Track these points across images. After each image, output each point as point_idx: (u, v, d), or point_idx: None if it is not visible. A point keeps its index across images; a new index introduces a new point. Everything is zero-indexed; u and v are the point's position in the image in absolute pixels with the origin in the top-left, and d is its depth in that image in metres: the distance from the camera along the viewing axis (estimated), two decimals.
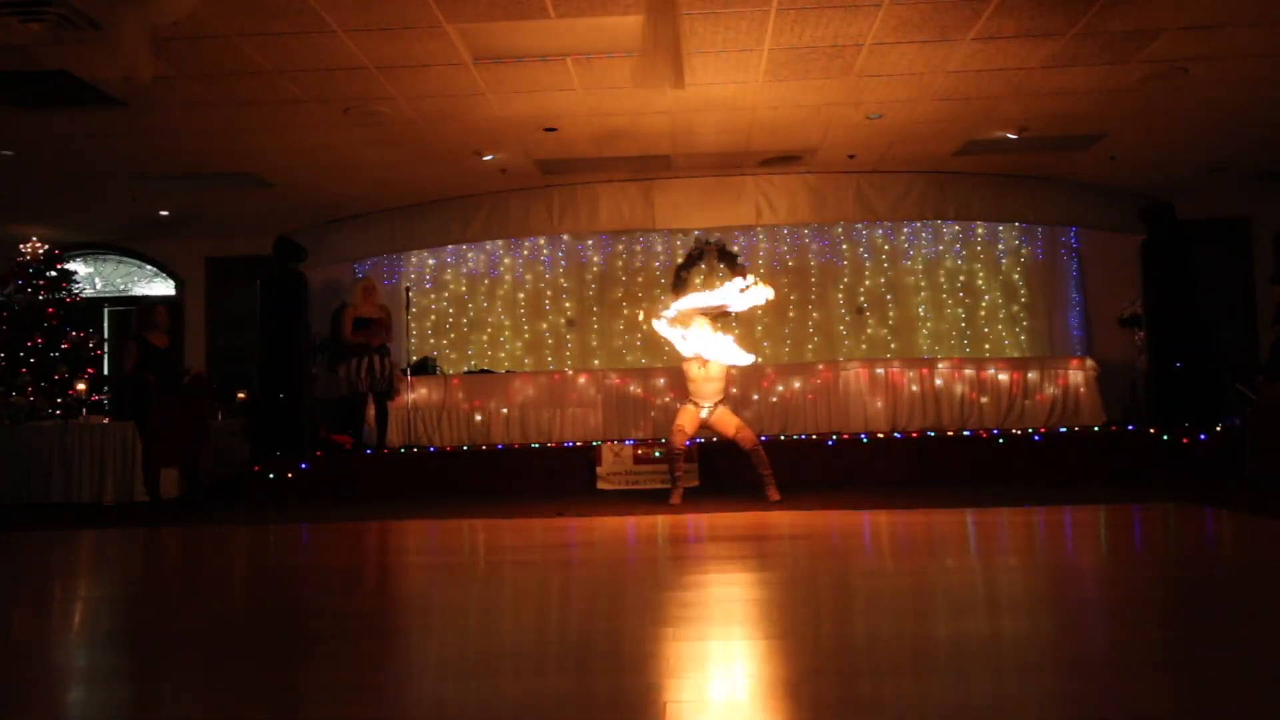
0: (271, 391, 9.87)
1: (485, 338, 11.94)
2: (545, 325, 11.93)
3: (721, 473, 8.73)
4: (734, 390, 10.30)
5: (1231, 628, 3.30)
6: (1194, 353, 9.48)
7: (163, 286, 12.23)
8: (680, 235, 11.69)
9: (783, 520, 6.57)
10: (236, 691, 2.88)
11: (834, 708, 2.56)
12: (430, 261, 11.97)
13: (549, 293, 11.95)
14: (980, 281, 11.74)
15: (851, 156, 9.37)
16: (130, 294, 12.15)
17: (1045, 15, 6.13)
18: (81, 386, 10.20)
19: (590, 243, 11.86)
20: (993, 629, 3.50)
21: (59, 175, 9.06)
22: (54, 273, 10.72)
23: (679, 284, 11.67)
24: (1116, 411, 10.39)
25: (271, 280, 10.13)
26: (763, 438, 9.77)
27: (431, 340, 11.92)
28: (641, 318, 8.23)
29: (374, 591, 4.80)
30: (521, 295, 11.97)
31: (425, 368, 11.01)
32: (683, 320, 7.49)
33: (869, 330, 11.71)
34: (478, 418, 10.44)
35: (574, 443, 9.80)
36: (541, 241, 11.80)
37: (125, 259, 12.21)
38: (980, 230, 11.68)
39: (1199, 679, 2.73)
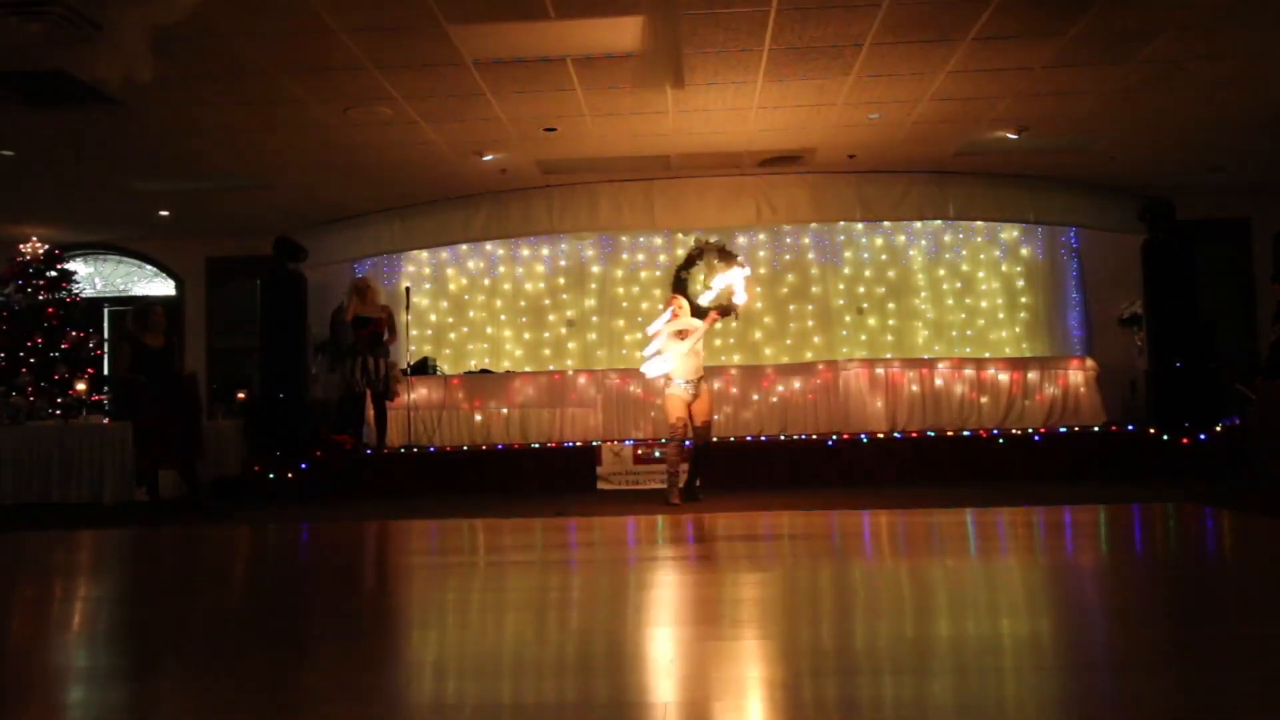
0: (271, 391, 9.86)
1: (485, 338, 11.93)
2: (545, 325, 11.92)
3: (719, 472, 8.71)
4: (734, 390, 10.34)
5: (1231, 628, 3.30)
6: (1194, 353, 9.48)
7: (163, 286, 12.22)
8: (680, 235, 11.68)
9: (783, 520, 6.57)
10: (236, 691, 2.88)
11: (834, 708, 2.56)
12: (430, 262, 11.95)
13: (549, 293, 11.93)
14: (980, 281, 11.73)
15: (851, 156, 9.37)
16: (130, 294, 12.14)
17: (1045, 15, 6.13)
18: (81, 386, 10.19)
19: (590, 243, 11.85)
20: (993, 629, 3.50)
21: (59, 175, 9.05)
22: (54, 273, 10.72)
23: (679, 284, 11.66)
24: (1116, 411, 10.38)
25: (271, 280, 10.12)
26: (763, 437, 9.80)
27: (431, 340, 11.90)
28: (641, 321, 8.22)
29: (373, 591, 4.80)
30: (521, 295, 11.96)
31: (425, 368, 11.01)
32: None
33: (869, 330, 11.70)
34: (478, 418, 10.44)
35: (574, 443, 9.79)
36: (541, 241, 11.79)
37: (125, 259, 12.21)
38: (980, 230, 11.67)
39: (1199, 679, 2.73)
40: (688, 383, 7.51)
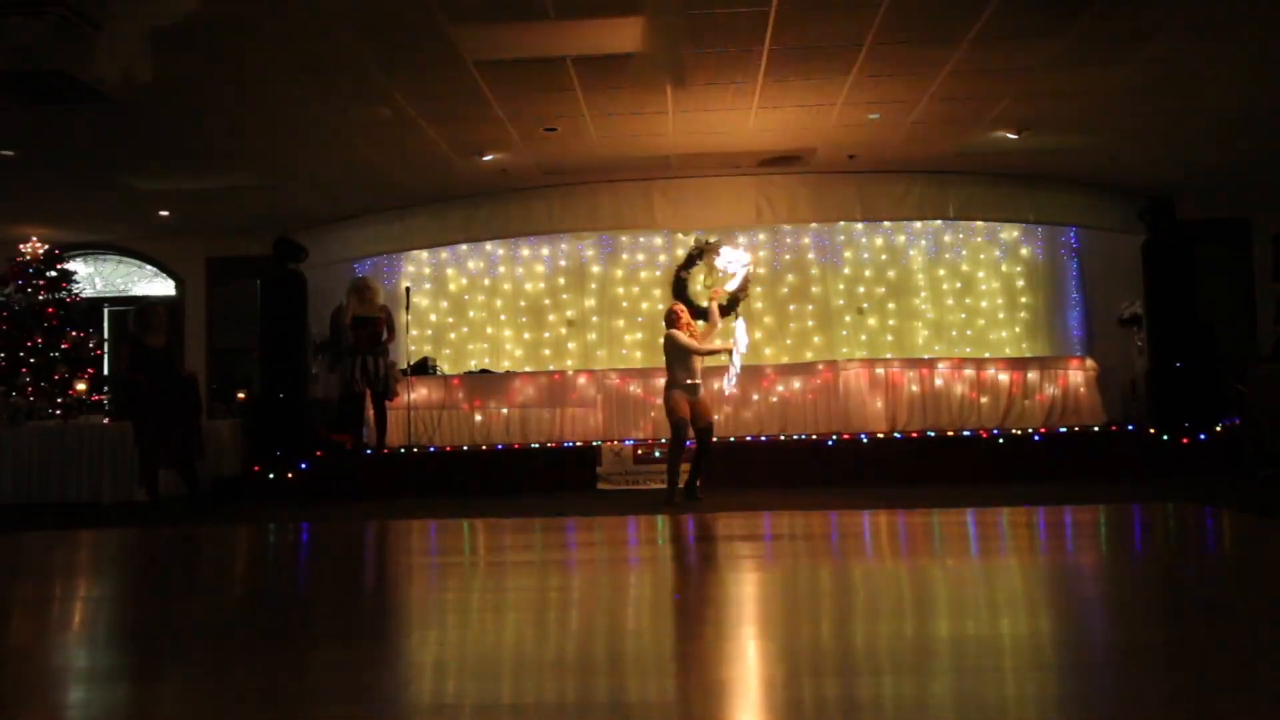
0: (271, 391, 9.86)
1: (485, 338, 11.92)
2: (545, 325, 11.92)
3: (719, 472, 8.70)
4: (735, 391, 10.32)
5: (1231, 628, 3.30)
6: (1194, 353, 9.48)
7: (163, 286, 12.22)
8: (680, 235, 11.67)
9: (783, 520, 6.57)
10: (236, 691, 2.88)
11: (834, 708, 2.56)
12: (430, 262, 11.95)
13: (549, 293, 11.92)
14: (980, 281, 11.73)
15: (851, 156, 9.37)
16: (130, 294, 12.14)
17: (1045, 15, 6.13)
18: (81, 386, 10.20)
19: (590, 242, 11.85)
20: (993, 629, 3.50)
21: (59, 175, 9.05)
22: (54, 273, 10.72)
23: (679, 284, 11.65)
24: (1116, 411, 10.38)
25: (271, 280, 10.12)
26: (763, 437, 9.79)
27: (431, 340, 11.89)
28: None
29: (373, 591, 4.80)
30: (521, 295, 11.95)
31: (425, 368, 11.00)
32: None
33: (869, 330, 11.70)
34: (478, 418, 10.43)
35: (574, 443, 9.79)
36: (541, 241, 11.78)
37: (125, 259, 12.21)
38: (980, 230, 11.67)
39: (1199, 679, 2.73)
40: (692, 383, 7.53)
